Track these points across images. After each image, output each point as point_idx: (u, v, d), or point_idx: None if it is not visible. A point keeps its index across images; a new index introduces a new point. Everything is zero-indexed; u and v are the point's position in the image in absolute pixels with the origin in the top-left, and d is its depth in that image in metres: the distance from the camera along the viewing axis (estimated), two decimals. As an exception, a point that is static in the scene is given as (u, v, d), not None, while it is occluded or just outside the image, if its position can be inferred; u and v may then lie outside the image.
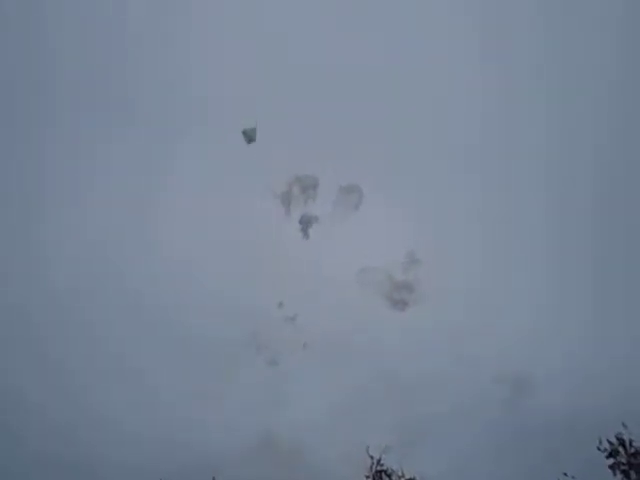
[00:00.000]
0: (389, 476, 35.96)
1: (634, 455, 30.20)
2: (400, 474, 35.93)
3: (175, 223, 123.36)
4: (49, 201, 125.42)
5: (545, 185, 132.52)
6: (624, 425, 30.70)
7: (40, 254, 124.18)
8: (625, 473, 30.32)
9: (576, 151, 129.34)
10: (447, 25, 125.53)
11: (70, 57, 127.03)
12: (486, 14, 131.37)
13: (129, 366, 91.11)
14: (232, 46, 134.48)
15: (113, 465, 66.66)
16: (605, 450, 30.80)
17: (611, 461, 30.82)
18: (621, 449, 30.74)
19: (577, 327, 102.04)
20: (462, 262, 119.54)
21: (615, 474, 30.53)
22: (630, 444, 30.51)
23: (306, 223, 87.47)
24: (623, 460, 30.54)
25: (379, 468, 36.20)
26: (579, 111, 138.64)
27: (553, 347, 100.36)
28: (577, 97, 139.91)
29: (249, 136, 64.65)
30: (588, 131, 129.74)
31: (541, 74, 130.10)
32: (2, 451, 79.44)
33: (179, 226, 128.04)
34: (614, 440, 30.89)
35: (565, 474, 31.25)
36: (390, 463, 36.40)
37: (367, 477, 35.99)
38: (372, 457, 36.29)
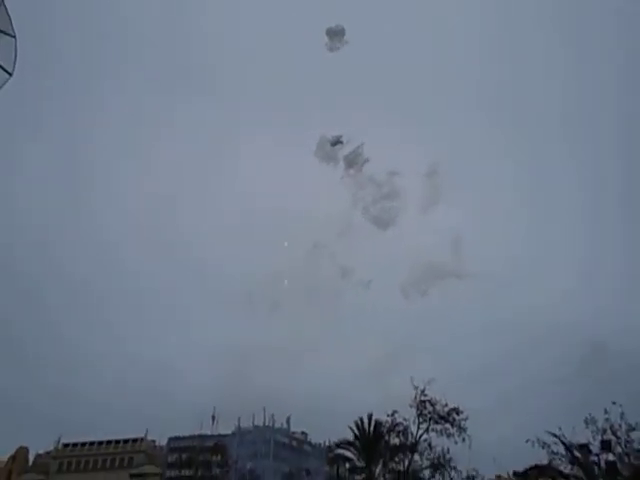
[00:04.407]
0: (433, 405, 36.86)
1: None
2: (444, 404, 36.78)
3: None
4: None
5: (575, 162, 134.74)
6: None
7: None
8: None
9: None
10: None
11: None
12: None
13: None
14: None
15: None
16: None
17: (661, 390, 29.89)
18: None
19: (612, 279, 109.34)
20: (504, 239, 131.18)
21: (664, 403, 29.63)
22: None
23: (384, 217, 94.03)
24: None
25: (423, 398, 37.15)
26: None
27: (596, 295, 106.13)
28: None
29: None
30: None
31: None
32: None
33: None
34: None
35: (614, 403, 30.62)
36: (434, 394, 37.27)
37: (411, 406, 37.12)
38: (417, 387, 37.26)
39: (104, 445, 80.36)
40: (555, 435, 30.21)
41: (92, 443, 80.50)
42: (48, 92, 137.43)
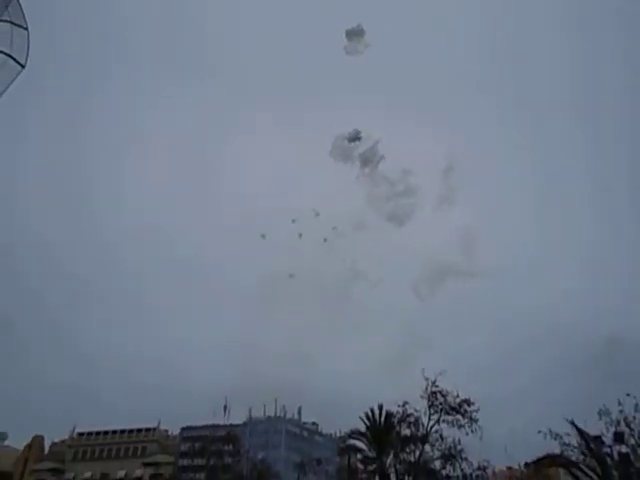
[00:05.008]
0: (444, 396, 36.73)
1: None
2: (455, 395, 36.65)
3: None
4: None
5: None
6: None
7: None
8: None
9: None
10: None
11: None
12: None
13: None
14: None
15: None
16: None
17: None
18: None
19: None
20: (515, 238, 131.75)
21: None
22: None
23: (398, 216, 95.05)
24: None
25: (434, 389, 37.03)
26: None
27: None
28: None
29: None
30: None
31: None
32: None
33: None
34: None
35: (628, 395, 30.37)
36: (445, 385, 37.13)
37: (422, 397, 37.02)
38: (427, 379, 37.14)
39: (118, 434, 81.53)
40: (572, 422, 30.09)
41: (106, 432, 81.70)
42: (47, 91, 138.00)
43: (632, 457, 29.69)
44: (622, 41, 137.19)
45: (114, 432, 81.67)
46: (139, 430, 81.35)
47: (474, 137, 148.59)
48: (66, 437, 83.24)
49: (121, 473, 76.26)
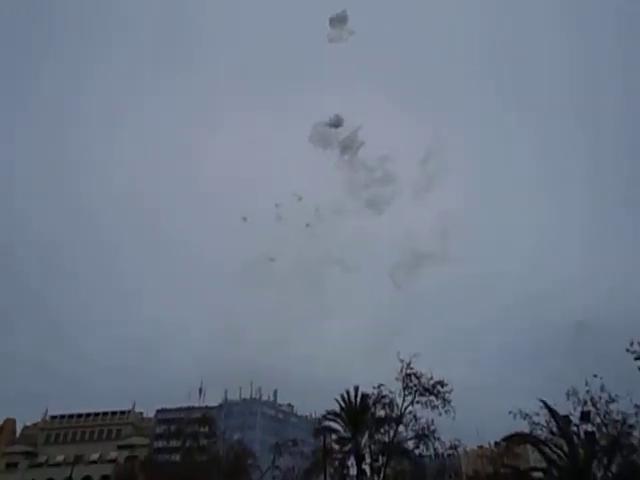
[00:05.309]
0: (418, 378, 37.35)
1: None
2: (429, 377, 37.30)
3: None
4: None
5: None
6: (658, 328, 30.03)
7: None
8: (655, 375, 29.98)
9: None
10: None
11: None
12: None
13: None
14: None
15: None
16: (635, 352, 30.15)
17: (641, 363, 30.39)
18: (653, 351, 30.01)
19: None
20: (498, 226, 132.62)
21: (644, 375, 30.19)
22: (663, 346, 29.74)
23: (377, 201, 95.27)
24: (654, 361, 29.97)
25: (409, 371, 37.59)
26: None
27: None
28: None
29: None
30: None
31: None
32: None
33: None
34: (647, 341, 30.09)
35: (595, 376, 31.33)
36: (419, 367, 37.71)
37: (397, 379, 37.57)
38: (402, 361, 37.66)
39: (92, 417, 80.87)
40: (543, 402, 31.04)
41: (80, 415, 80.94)
42: (47, 90, 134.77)
43: (597, 435, 30.83)
44: (622, 41, 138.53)
45: (88, 415, 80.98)
46: (113, 413, 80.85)
47: (469, 124, 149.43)
48: (39, 420, 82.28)
49: (95, 456, 75.84)
